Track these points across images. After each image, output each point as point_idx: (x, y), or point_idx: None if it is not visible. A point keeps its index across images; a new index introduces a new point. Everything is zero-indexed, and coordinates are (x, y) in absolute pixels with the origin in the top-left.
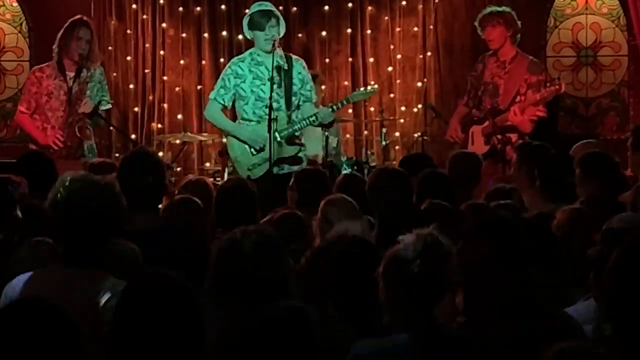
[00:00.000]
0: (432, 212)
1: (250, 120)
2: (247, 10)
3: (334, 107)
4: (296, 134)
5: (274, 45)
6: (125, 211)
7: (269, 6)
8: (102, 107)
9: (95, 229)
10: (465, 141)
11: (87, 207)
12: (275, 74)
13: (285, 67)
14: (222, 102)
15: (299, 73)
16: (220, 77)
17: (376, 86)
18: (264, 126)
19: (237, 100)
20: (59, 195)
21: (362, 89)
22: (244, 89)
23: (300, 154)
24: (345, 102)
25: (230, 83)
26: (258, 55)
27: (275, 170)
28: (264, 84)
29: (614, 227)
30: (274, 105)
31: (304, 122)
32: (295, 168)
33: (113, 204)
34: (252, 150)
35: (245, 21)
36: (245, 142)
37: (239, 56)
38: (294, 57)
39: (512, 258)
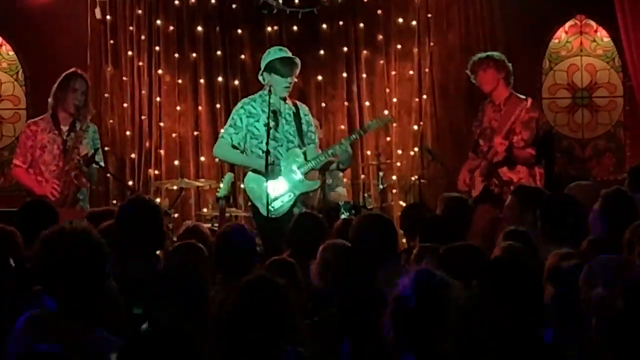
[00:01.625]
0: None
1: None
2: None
3: (351, 139)
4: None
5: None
6: (107, 257)
7: (289, 52)
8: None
9: (76, 278)
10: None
11: (63, 259)
12: (272, 116)
13: (294, 110)
14: (231, 141)
15: (305, 115)
16: (231, 116)
17: (390, 118)
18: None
19: (250, 140)
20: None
21: (376, 119)
22: (258, 128)
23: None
24: (362, 133)
25: (242, 122)
26: (267, 97)
27: (295, 210)
28: (277, 125)
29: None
30: (289, 145)
31: (322, 156)
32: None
33: (92, 253)
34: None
35: (263, 64)
36: (259, 173)
37: (250, 97)
38: (298, 102)
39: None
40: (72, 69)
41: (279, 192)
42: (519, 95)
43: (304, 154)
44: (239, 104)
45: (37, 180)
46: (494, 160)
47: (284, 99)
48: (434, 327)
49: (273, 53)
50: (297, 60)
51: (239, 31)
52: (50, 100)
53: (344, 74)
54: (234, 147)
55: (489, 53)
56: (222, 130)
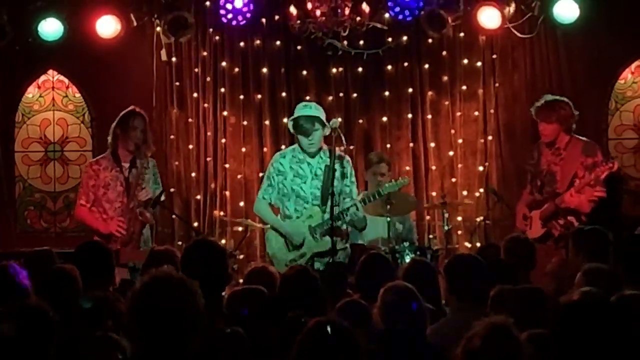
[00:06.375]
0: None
1: (291, 217)
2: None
3: (365, 201)
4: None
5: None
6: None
7: (313, 110)
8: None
9: (171, 330)
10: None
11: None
12: (299, 172)
13: (327, 163)
14: (270, 201)
15: (342, 168)
16: (266, 175)
17: (407, 178)
18: (304, 222)
19: (280, 197)
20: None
21: (393, 181)
22: (285, 186)
23: (338, 246)
24: (377, 196)
25: (274, 181)
26: (299, 153)
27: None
28: (304, 182)
29: None
30: (314, 202)
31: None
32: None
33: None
34: (289, 246)
35: (290, 123)
36: (284, 237)
37: (281, 152)
38: (338, 152)
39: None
40: (131, 107)
41: (295, 252)
42: (579, 137)
43: (323, 212)
44: (272, 160)
45: (102, 219)
46: (561, 206)
47: (320, 152)
48: None
49: (297, 111)
50: (322, 117)
51: (304, 72)
52: (109, 138)
53: (409, 115)
54: (271, 205)
55: (555, 99)
56: (259, 191)
